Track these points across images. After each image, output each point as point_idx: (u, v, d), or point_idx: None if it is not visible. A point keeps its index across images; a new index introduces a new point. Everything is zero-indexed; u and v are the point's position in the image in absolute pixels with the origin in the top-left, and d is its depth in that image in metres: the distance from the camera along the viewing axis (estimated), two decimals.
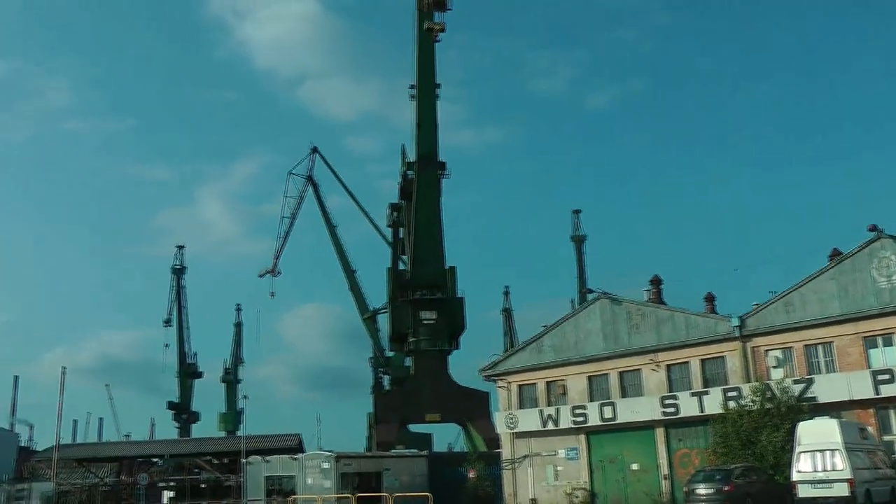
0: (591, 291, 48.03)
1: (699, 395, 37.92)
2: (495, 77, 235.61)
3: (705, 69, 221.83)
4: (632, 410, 40.07)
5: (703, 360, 39.17)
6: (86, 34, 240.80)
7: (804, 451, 29.20)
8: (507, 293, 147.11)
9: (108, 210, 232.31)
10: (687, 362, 39.63)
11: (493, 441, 60.92)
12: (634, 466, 40.17)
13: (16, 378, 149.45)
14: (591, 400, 41.93)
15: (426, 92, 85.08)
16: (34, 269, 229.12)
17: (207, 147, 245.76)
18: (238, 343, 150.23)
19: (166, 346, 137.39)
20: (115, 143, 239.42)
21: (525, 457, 43.14)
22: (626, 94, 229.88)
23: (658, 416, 38.98)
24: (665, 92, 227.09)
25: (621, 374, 41.62)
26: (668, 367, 40.10)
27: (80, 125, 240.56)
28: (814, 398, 34.57)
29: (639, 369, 41.00)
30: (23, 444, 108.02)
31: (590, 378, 42.72)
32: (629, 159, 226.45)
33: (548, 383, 44.20)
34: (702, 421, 37.55)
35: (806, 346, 36.62)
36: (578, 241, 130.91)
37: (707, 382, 38.54)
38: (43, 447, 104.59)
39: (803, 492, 28.72)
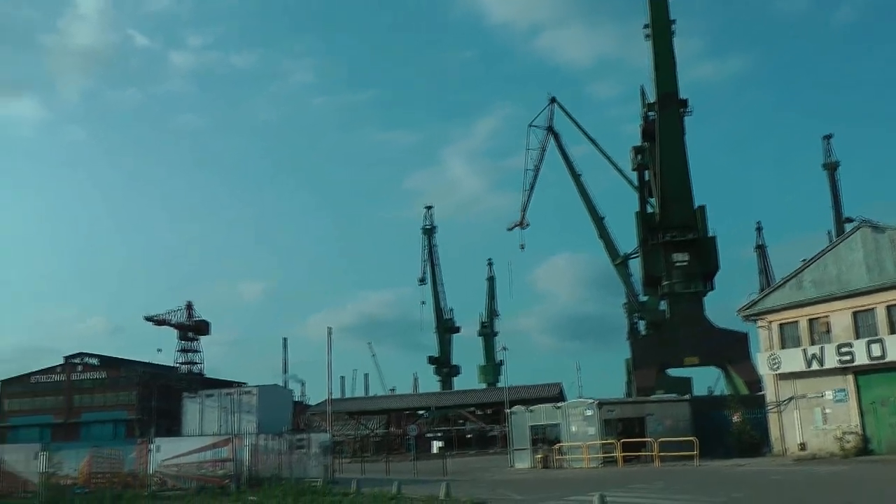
0: (850, 220, 45.44)
1: None
2: (732, 3, 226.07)
3: None
4: None
5: None
6: (322, 15, 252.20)
7: None
8: (759, 229, 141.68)
9: (358, 178, 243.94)
10: None
11: (754, 383, 59.56)
12: None
13: (284, 340, 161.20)
14: (858, 337, 39.77)
15: (660, 29, 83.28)
16: (294, 238, 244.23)
17: (449, 107, 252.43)
18: (492, 297, 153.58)
19: (423, 303, 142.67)
20: (360, 114, 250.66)
21: (790, 399, 41.73)
22: (877, 3, 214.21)
23: None
24: None
25: (889, 308, 39.18)
26: None
27: (325, 100, 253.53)
28: None
29: None
30: (296, 399, 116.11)
31: (854, 314, 40.48)
32: (883, 74, 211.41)
33: (810, 321, 42.32)
34: None
35: None
36: (831, 168, 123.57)
37: None
38: (314, 402, 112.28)
39: None
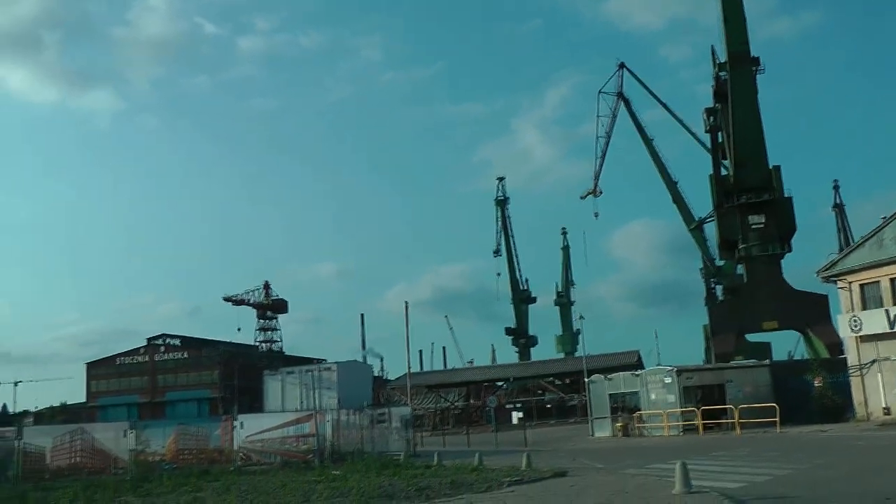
0: None
1: None
2: None
3: None
4: None
5: None
6: None
7: None
8: (836, 187, 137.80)
9: (429, 152, 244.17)
10: None
11: (835, 346, 58.54)
12: None
13: (362, 316, 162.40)
14: None
15: None
16: (368, 214, 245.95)
17: (518, 78, 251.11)
18: (567, 266, 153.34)
19: (498, 275, 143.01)
20: (429, 88, 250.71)
21: (873, 362, 40.97)
22: None
23: None
24: None
25: None
26: None
27: (394, 76, 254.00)
28: None
29: None
30: (376, 374, 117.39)
31: None
32: None
33: (892, 280, 41.39)
34: None
35: None
36: None
37: None
38: (393, 376, 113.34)
39: None
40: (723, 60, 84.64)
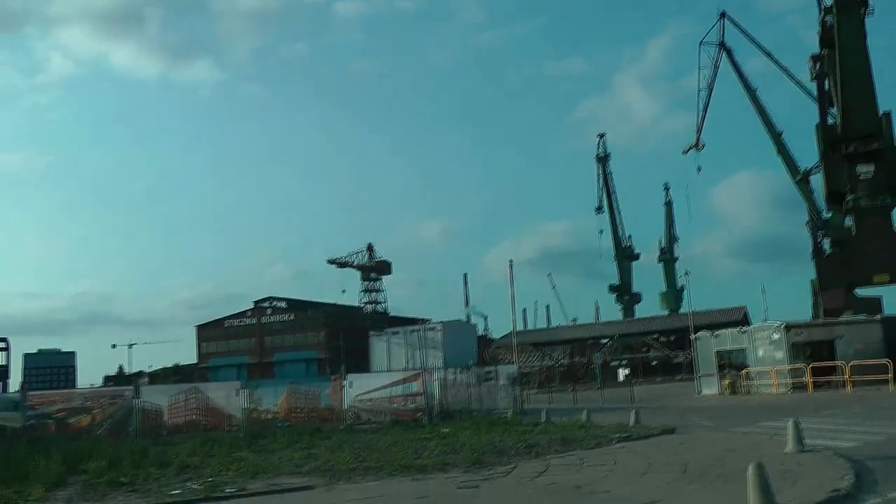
0: None
1: None
2: None
3: None
4: None
5: None
6: None
7: None
8: None
9: (530, 109, 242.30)
10: None
11: None
12: None
13: (465, 275, 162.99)
14: None
15: None
16: (469, 174, 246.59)
17: (619, 31, 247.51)
18: (670, 222, 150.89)
19: (600, 232, 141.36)
20: (530, 45, 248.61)
21: None
22: None
23: None
24: None
25: None
26: None
27: (494, 35, 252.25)
28: None
29: None
30: (480, 334, 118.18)
31: None
32: None
33: None
34: None
35: None
36: None
37: None
38: (497, 335, 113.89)
39: None
40: (829, 4, 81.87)
